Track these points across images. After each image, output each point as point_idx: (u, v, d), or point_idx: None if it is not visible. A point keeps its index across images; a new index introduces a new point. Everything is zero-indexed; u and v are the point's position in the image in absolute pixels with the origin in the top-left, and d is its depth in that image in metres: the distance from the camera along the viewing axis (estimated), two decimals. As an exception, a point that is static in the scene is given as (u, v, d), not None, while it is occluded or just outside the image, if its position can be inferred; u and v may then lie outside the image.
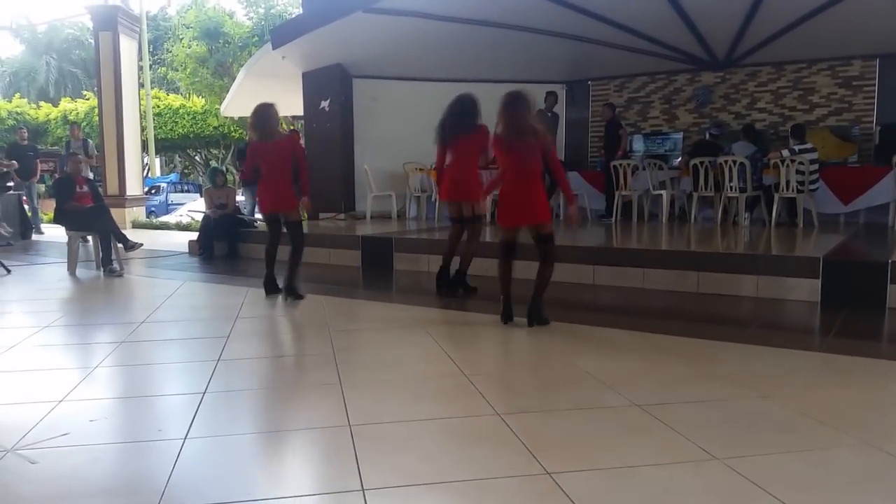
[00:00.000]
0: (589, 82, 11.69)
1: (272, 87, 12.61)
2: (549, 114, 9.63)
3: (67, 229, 7.81)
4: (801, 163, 7.97)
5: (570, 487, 2.26)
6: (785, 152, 8.17)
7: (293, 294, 5.70)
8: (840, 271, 5.33)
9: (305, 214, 5.72)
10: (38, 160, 12.17)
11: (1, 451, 2.63)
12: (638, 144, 10.96)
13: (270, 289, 5.88)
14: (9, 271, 7.44)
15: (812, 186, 8.17)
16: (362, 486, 2.30)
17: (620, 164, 9.37)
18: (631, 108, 11.38)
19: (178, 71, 24.40)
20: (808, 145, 8.28)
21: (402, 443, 2.70)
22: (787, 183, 8.04)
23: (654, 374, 3.61)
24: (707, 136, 9.99)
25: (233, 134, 22.25)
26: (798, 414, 2.96)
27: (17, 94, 28.37)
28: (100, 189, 9.94)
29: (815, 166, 8.18)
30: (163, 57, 26.91)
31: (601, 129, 10.76)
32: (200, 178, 26.98)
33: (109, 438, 2.85)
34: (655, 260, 6.13)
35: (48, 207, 13.99)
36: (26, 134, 11.03)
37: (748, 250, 6.59)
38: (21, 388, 3.56)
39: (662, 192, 9.26)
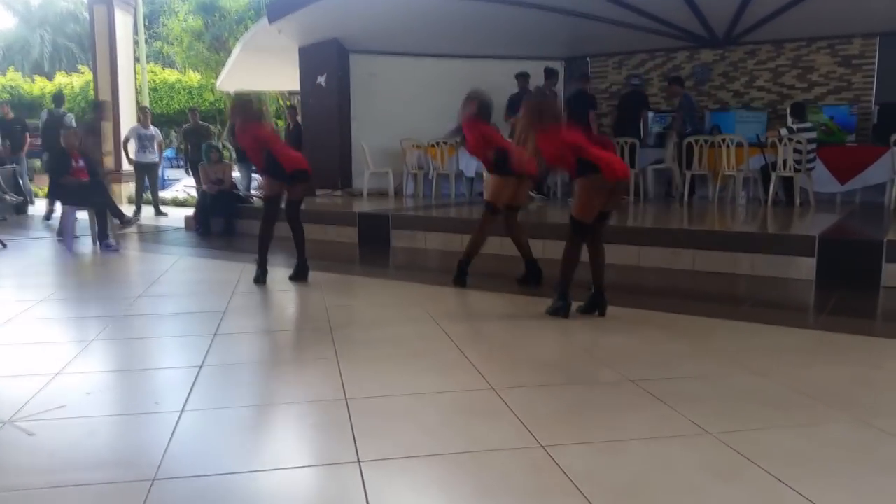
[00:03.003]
0: (588, 59, 11.61)
1: (268, 62, 12.50)
2: (549, 92, 9.55)
3: (63, 204, 7.79)
4: (798, 142, 7.94)
5: (564, 460, 2.28)
6: (783, 131, 8.13)
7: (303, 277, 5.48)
8: (835, 250, 5.34)
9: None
10: (26, 133, 12.13)
11: (-2, 422, 2.64)
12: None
13: (261, 276, 5.45)
14: (5, 246, 7.42)
15: (809, 165, 8.15)
16: (358, 458, 2.32)
17: (617, 142, 9.33)
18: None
19: (173, 45, 24.15)
20: (808, 124, 8.23)
21: (398, 416, 2.72)
22: (785, 162, 8.02)
23: (648, 350, 3.63)
24: (630, 85, 10.29)
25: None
26: (791, 390, 2.99)
27: (11, 68, 28.07)
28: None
29: (813, 145, 8.16)
30: (158, 31, 26.61)
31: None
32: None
33: (106, 411, 2.86)
34: (651, 237, 6.14)
35: (43, 182, 13.98)
36: (9, 109, 11.94)
37: (744, 228, 6.60)
38: (18, 361, 3.57)
39: (650, 167, 9.14)
